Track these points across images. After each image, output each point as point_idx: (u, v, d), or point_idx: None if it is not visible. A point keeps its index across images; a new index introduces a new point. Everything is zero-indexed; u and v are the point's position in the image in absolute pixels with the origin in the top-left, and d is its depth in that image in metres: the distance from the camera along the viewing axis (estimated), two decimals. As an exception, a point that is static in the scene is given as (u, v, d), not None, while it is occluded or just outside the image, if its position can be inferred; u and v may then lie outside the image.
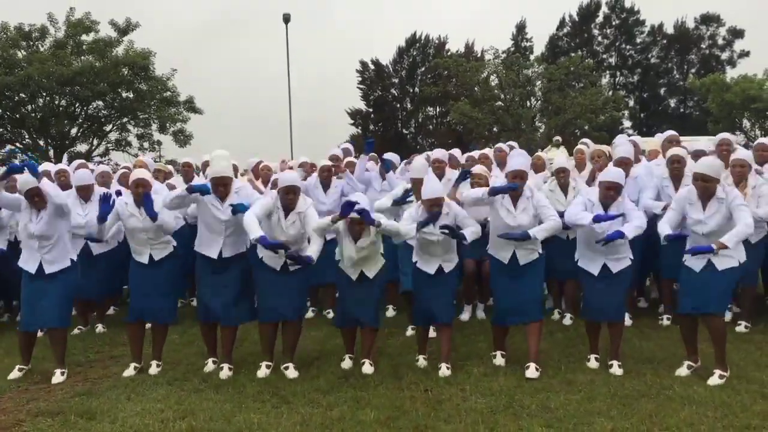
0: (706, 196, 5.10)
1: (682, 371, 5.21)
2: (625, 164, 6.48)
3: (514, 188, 5.35)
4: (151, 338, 5.95)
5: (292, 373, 5.55)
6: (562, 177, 6.79)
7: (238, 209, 5.47)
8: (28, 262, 5.70)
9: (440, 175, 6.82)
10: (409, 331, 6.69)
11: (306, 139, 41.19)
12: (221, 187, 5.53)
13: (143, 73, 27.66)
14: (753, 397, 4.68)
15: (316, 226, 5.41)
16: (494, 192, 5.39)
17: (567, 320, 6.97)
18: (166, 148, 31.24)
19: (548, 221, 5.34)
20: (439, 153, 7.39)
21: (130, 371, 5.75)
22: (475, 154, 8.13)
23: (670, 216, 5.29)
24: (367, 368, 5.54)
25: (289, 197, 5.49)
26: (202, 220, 5.68)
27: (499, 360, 5.62)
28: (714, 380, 4.99)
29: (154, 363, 5.83)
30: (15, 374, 5.79)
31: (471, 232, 5.41)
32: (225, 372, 5.62)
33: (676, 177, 6.55)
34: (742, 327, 6.48)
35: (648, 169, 7.01)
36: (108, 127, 29.89)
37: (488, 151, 8.36)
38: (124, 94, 28.37)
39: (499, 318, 5.65)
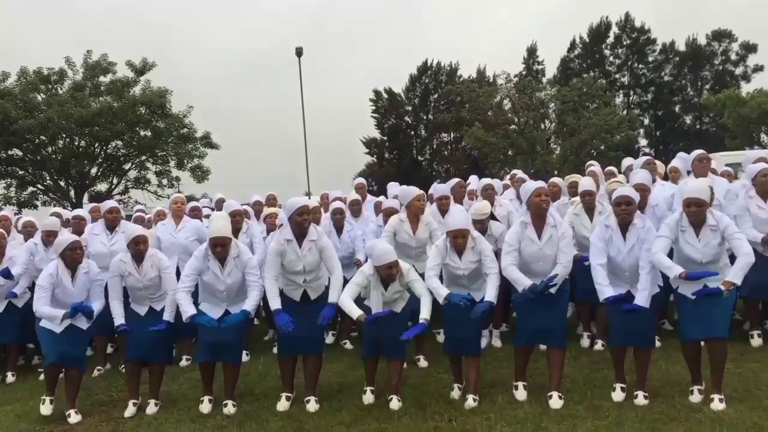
0: (698, 222, 4.94)
1: (695, 398, 5.06)
2: (642, 191, 6.08)
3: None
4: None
5: (312, 406, 5.52)
6: (587, 200, 6.64)
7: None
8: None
9: (444, 212, 6.82)
10: (422, 362, 6.62)
11: (323, 170, 41.39)
12: (219, 247, 5.50)
13: (160, 111, 28.07)
14: (785, 417, 4.57)
15: (337, 296, 5.45)
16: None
17: (598, 346, 6.74)
18: (185, 184, 31.60)
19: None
20: (441, 188, 7.34)
21: (130, 410, 5.75)
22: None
23: (663, 244, 5.01)
24: (395, 404, 5.40)
25: (302, 218, 5.46)
26: (203, 282, 5.66)
27: (521, 393, 5.41)
28: (716, 405, 4.83)
29: (152, 402, 5.84)
30: (47, 408, 5.79)
31: (492, 293, 5.24)
32: (229, 408, 5.61)
33: None
34: None
35: (666, 197, 6.88)
36: (127, 166, 30.31)
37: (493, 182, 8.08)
38: (142, 133, 28.81)
39: (523, 339, 5.47)
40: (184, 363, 7.22)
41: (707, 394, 5.02)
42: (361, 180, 9.88)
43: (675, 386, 5.37)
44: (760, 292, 6.43)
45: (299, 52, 29.82)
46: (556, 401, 5.19)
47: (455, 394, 5.54)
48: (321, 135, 56.43)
